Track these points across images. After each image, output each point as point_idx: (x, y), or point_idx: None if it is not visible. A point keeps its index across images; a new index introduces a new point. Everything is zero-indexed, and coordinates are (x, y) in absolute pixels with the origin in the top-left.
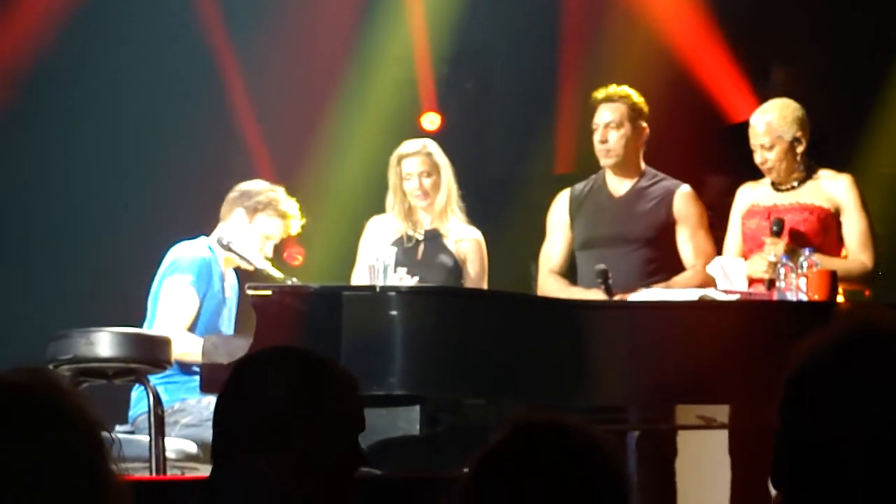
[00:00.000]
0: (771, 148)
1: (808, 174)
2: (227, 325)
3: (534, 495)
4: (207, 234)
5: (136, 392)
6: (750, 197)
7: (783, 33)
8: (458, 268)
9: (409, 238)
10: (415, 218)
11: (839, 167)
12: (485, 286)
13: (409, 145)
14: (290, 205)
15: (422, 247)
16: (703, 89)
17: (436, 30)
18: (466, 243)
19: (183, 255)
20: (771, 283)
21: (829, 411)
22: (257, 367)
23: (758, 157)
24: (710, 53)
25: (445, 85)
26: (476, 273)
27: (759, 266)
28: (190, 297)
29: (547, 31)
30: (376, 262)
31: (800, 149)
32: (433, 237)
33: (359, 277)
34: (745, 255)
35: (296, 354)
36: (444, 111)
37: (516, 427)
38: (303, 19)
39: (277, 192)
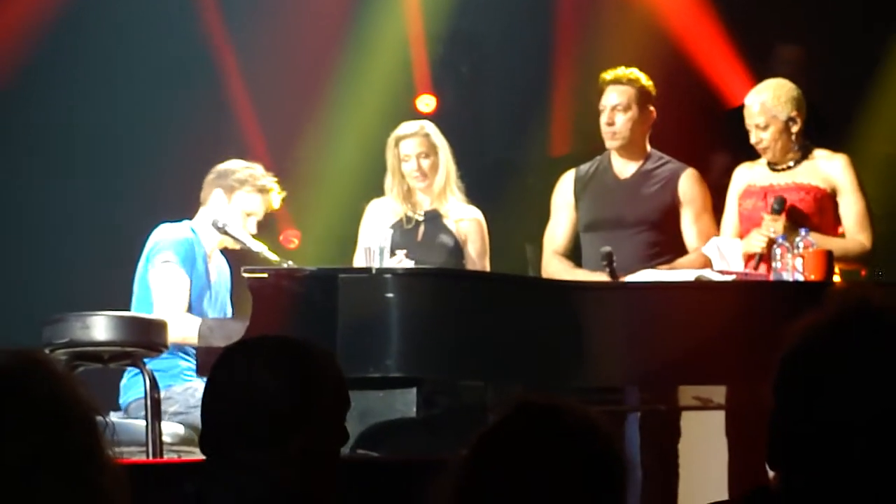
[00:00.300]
0: (766, 128)
1: (804, 154)
2: (211, 307)
3: (532, 476)
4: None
5: (127, 378)
6: (746, 177)
7: (780, 14)
8: (458, 248)
9: (409, 219)
10: (413, 199)
11: (837, 146)
12: (486, 265)
13: (406, 127)
14: (268, 179)
15: (422, 228)
16: (700, 72)
17: (430, 12)
18: (467, 223)
19: (165, 237)
20: (760, 259)
21: (824, 391)
22: (246, 358)
23: (753, 138)
24: (706, 35)
25: (440, 67)
26: (477, 252)
27: (757, 242)
28: (181, 279)
29: (542, 13)
30: (372, 245)
31: (795, 128)
32: (433, 218)
33: (359, 261)
34: (741, 236)
35: (284, 345)
36: (439, 93)
37: (514, 408)
38: (297, 2)
39: (254, 169)
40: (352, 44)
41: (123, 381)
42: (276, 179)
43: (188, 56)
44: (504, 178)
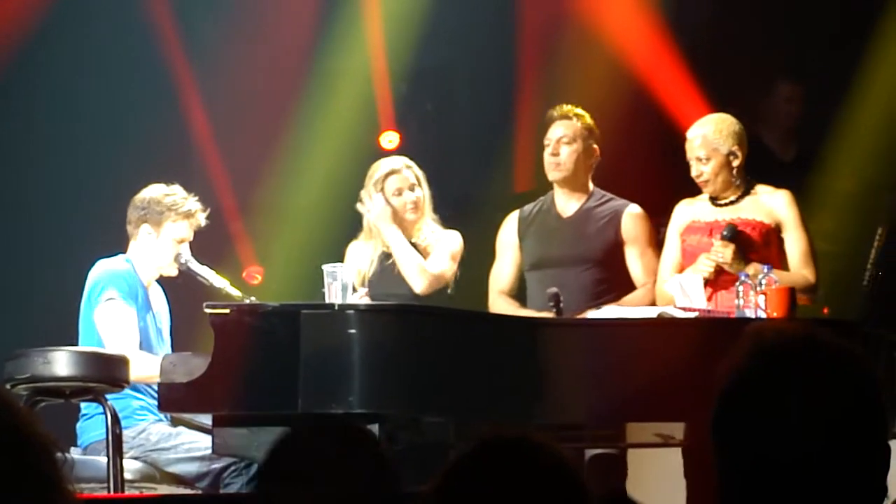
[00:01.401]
0: (707, 160)
1: (747, 189)
2: (158, 337)
3: None
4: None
5: (83, 421)
6: (688, 213)
7: (744, 49)
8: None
9: (388, 256)
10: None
11: (797, 182)
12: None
13: (389, 162)
14: (191, 202)
15: (391, 260)
16: (661, 107)
17: (394, 48)
18: (434, 236)
19: (104, 273)
20: (706, 283)
21: (756, 430)
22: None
23: (694, 171)
24: (668, 71)
25: (404, 103)
26: (441, 250)
27: (705, 266)
28: (128, 314)
29: (506, 50)
30: (334, 282)
31: (736, 163)
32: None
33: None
34: (682, 271)
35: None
36: (402, 130)
37: (481, 443)
38: (261, 35)
39: (174, 194)
40: (315, 79)
41: (79, 424)
42: (196, 197)
43: (150, 90)
44: (468, 213)
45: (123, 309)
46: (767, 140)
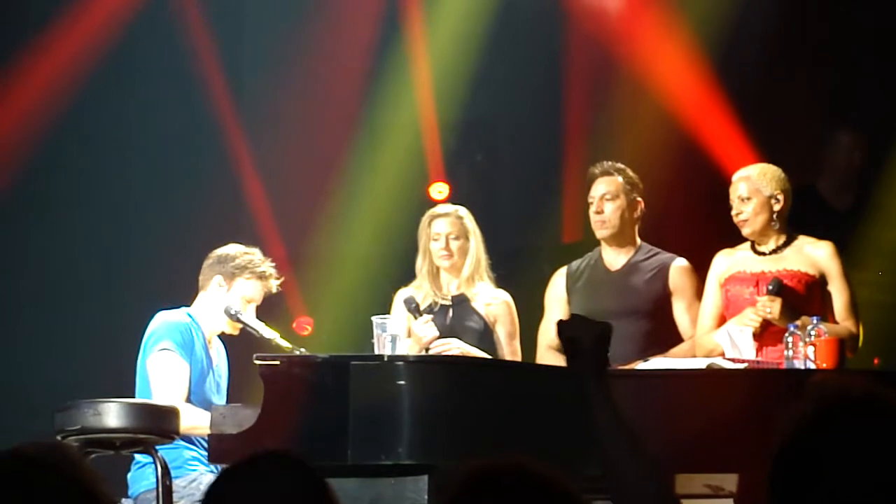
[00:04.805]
0: (748, 200)
1: (788, 240)
2: (216, 392)
3: None
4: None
5: (134, 470)
6: (729, 263)
7: (789, 96)
8: (488, 330)
9: (436, 304)
10: (440, 282)
11: (846, 231)
12: (517, 347)
13: (441, 207)
14: (267, 265)
15: (450, 312)
16: (710, 158)
17: (443, 100)
18: (496, 306)
19: (161, 325)
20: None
21: (817, 485)
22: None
23: (734, 210)
24: (717, 120)
25: (454, 155)
26: (507, 334)
27: (751, 320)
28: (180, 366)
29: (554, 101)
30: (383, 333)
31: (777, 207)
32: (461, 302)
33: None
34: (725, 321)
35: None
36: (452, 181)
37: (476, 470)
38: (311, 89)
39: (253, 255)
40: (365, 131)
41: (130, 473)
42: (273, 264)
43: (202, 144)
44: (518, 265)
45: (175, 360)
46: (822, 189)
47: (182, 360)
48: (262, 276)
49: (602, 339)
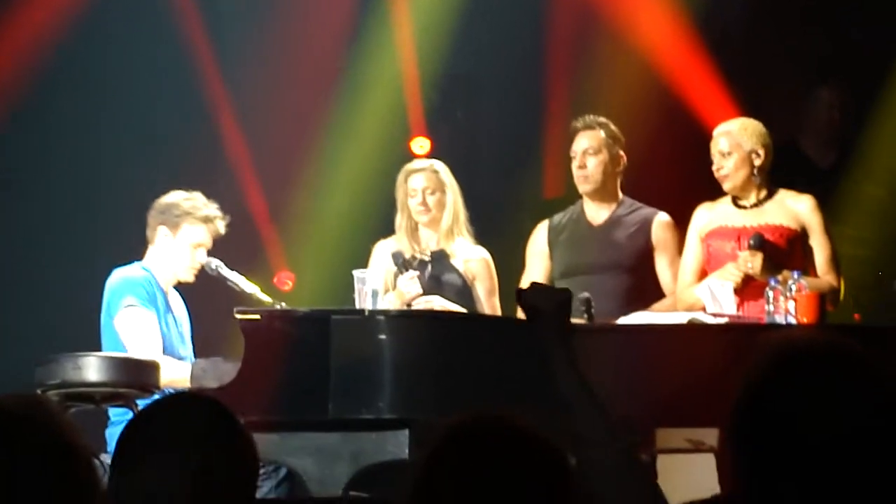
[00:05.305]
0: (728, 155)
1: (770, 193)
2: (181, 342)
3: (482, 483)
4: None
5: (113, 427)
6: (710, 217)
7: (772, 53)
8: (466, 287)
9: (414, 258)
10: (419, 236)
11: (829, 187)
12: (496, 304)
13: (416, 162)
14: (211, 208)
15: (429, 267)
16: (691, 112)
17: (425, 55)
18: (475, 262)
19: (121, 281)
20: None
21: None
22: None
23: (715, 164)
24: (698, 77)
25: (435, 110)
26: (486, 291)
27: (732, 275)
28: (149, 320)
29: (536, 57)
30: (365, 287)
31: (758, 162)
32: (440, 258)
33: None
34: (705, 275)
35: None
36: (433, 136)
37: (462, 423)
38: (292, 43)
39: (195, 199)
40: (346, 86)
41: (109, 430)
42: (216, 205)
43: (181, 96)
44: (498, 220)
45: (144, 314)
46: (805, 147)
47: (150, 314)
48: (206, 220)
49: (563, 306)
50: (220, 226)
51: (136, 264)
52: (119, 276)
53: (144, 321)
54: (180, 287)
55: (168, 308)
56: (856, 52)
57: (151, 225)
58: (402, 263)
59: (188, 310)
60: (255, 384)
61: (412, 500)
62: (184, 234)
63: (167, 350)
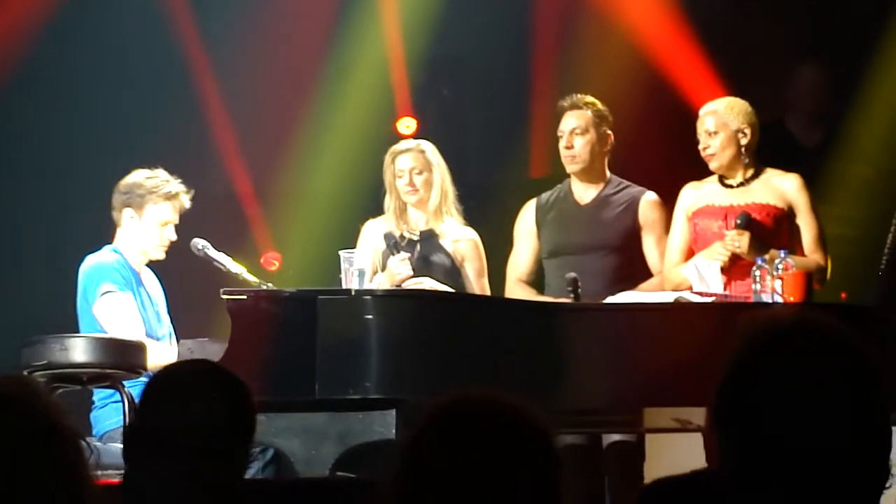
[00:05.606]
0: (715, 134)
1: (756, 172)
2: (158, 322)
3: (469, 463)
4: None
5: (97, 410)
6: (697, 196)
7: (758, 32)
8: (455, 268)
9: (403, 238)
10: (407, 217)
11: (816, 167)
12: (485, 284)
13: (403, 143)
14: (173, 184)
15: (417, 247)
16: (678, 93)
17: (411, 35)
18: (463, 243)
19: (95, 268)
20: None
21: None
22: (178, 384)
23: (701, 143)
24: (685, 57)
25: (421, 89)
26: (475, 272)
27: (719, 255)
28: (129, 305)
29: (522, 36)
30: (352, 267)
31: (744, 141)
32: (428, 237)
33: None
34: (692, 254)
35: (212, 373)
36: (419, 116)
37: (451, 402)
38: (278, 23)
39: (156, 177)
40: (332, 66)
41: (93, 413)
42: (179, 179)
43: (167, 81)
44: (484, 199)
45: (123, 299)
46: (791, 126)
47: (128, 297)
48: (169, 197)
49: None
50: (185, 200)
51: (106, 248)
52: (92, 262)
53: (124, 305)
54: (158, 266)
55: (143, 288)
56: (841, 31)
57: (116, 207)
58: (394, 244)
59: (163, 287)
60: (241, 365)
61: (399, 480)
62: (149, 214)
63: (146, 331)
